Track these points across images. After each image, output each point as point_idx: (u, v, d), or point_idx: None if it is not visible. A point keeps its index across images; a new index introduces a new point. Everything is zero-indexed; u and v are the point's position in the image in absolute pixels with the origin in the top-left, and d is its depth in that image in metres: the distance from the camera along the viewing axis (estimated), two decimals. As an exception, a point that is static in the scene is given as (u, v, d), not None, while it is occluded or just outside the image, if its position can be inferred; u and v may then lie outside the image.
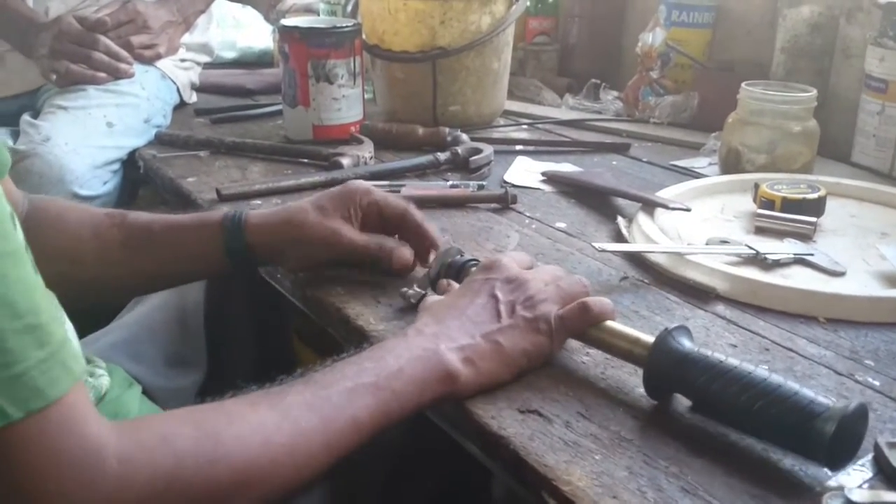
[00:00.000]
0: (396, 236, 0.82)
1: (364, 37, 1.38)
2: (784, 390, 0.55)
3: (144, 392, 0.77)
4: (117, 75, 1.37)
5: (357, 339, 0.74)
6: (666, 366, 0.60)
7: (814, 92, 1.13)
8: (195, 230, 0.79)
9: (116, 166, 1.30)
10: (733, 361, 0.58)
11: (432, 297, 0.72)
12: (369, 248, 0.79)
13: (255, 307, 1.04)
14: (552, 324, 0.66)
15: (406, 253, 0.79)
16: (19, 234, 0.42)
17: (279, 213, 0.81)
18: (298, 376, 0.58)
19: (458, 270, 0.76)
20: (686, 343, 0.61)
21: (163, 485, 0.46)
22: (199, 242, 0.79)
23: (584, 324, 0.66)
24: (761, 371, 0.57)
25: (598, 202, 1.07)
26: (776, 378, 0.56)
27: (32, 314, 0.42)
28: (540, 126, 1.47)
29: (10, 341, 0.40)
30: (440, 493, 0.84)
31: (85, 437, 0.43)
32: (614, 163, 1.26)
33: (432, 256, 0.80)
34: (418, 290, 0.76)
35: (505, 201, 1.04)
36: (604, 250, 0.84)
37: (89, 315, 0.80)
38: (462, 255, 0.78)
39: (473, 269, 0.74)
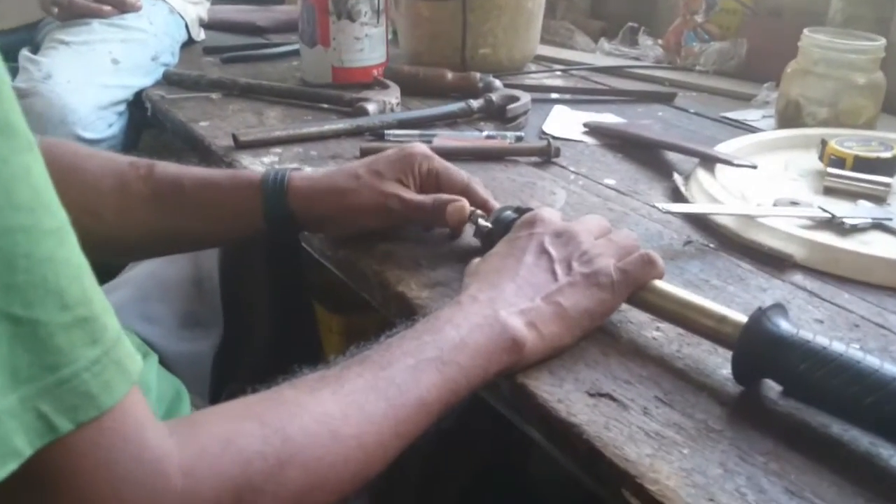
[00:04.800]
0: None
1: (389, -29, 1.28)
2: None
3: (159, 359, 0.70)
4: (123, 9, 1.29)
5: (397, 307, 0.67)
6: (760, 350, 0.53)
7: (882, 41, 1.04)
8: (231, 190, 0.70)
9: (122, 107, 1.22)
10: (839, 346, 0.51)
11: (476, 260, 0.64)
12: (425, 206, 0.70)
13: (273, 264, 0.96)
14: (613, 277, 0.59)
15: (462, 204, 0.70)
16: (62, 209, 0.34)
17: (328, 178, 0.72)
18: (352, 356, 0.51)
19: (507, 225, 0.67)
20: (783, 325, 0.53)
21: (230, 496, 0.39)
22: (235, 204, 0.70)
23: (647, 277, 0.60)
24: (873, 359, 0.50)
25: (648, 156, 0.99)
26: (890, 368, 0.49)
27: (83, 304, 0.34)
28: (574, 73, 1.37)
29: (59, 338, 0.33)
30: (480, 470, 0.78)
31: (144, 449, 0.36)
32: (660, 113, 1.18)
33: None
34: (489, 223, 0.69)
35: (547, 154, 0.96)
36: (668, 211, 0.76)
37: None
38: (514, 213, 0.69)
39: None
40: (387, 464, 0.48)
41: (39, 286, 0.32)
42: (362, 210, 0.70)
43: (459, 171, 0.73)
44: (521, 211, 0.68)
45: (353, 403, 0.46)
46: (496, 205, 0.72)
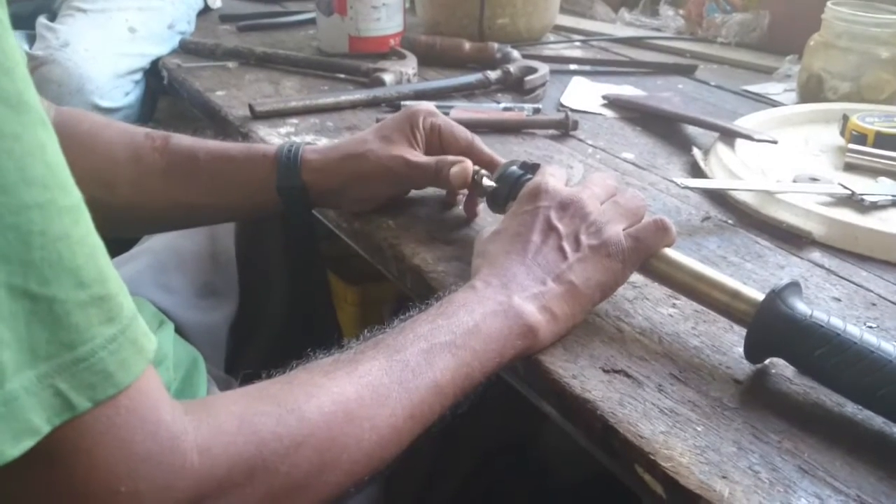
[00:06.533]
0: None
1: (406, -61, 1.26)
2: None
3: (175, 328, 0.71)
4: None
5: (413, 280, 0.67)
6: (774, 335, 0.52)
7: (908, 13, 1.02)
8: (245, 163, 0.70)
9: (139, 76, 1.22)
10: (854, 332, 0.50)
11: (484, 234, 0.63)
12: (429, 166, 0.70)
13: (288, 236, 0.97)
14: (623, 245, 0.58)
15: (464, 165, 0.69)
16: (76, 187, 0.34)
17: (339, 147, 0.72)
18: (365, 340, 0.51)
19: (512, 184, 0.66)
20: (798, 306, 0.52)
21: (243, 475, 0.39)
22: (249, 178, 0.70)
23: (659, 244, 0.59)
24: (888, 348, 0.49)
25: (667, 130, 0.98)
26: None
27: (99, 283, 0.34)
28: (594, 44, 1.36)
29: (75, 315, 0.33)
30: (492, 446, 0.78)
31: (160, 427, 0.36)
32: (680, 86, 1.16)
33: None
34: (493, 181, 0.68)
35: (565, 127, 0.95)
36: (687, 187, 0.75)
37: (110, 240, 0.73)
38: (520, 168, 0.68)
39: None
40: (401, 447, 0.48)
41: (55, 263, 0.32)
42: (372, 175, 0.70)
43: (463, 129, 0.73)
44: (526, 166, 0.67)
45: (367, 385, 0.46)
46: (502, 161, 0.71)
